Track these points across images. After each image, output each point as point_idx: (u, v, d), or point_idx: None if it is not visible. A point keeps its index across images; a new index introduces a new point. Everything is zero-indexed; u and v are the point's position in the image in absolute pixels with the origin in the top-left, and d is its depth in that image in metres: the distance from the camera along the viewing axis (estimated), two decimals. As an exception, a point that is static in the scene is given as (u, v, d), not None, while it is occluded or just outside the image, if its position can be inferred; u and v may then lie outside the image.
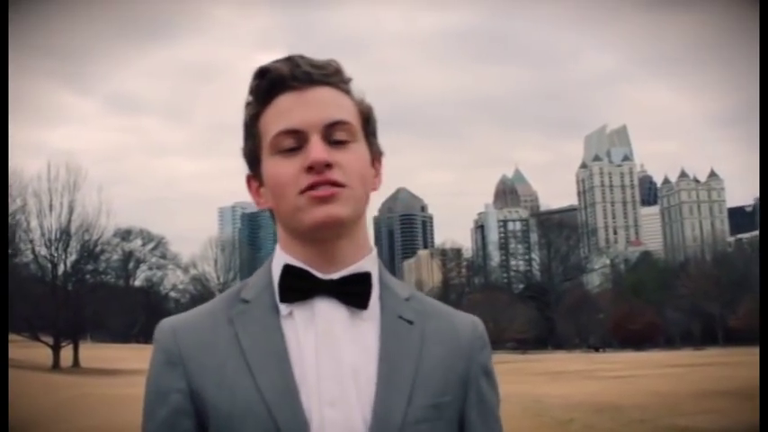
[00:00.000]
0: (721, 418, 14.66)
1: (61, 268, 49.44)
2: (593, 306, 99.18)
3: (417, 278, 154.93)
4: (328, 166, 1.23)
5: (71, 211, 48.66)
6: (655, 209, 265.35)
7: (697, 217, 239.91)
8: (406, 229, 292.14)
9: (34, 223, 48.14)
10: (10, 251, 43.27)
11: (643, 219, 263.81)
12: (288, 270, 1.29)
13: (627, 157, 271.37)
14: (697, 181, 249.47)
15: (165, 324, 1.33)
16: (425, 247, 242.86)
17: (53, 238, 48.60)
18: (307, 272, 1.28)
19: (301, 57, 1.31)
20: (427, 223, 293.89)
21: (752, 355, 46.78)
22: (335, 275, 1.28)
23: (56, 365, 44.12)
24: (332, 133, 1.26)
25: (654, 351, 79.76)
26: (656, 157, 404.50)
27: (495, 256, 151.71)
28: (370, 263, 1.33)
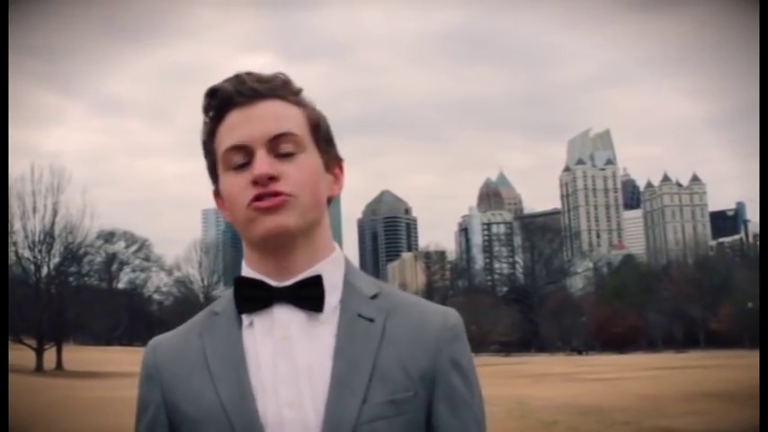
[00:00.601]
0: (703, 419, 14.83)
1: (44, 270, 49.29)
2: (576, 309, 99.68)
3: (401, 281, 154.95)
4: (273, 178, 1.27)
5: (55, 214, 48.55)
6: (638, 212, 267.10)
7: (679, 221, 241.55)
8: (389, 231, 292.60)
9: (17, 225, 47.94)
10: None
11: (626, 222, 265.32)
12: (242, 281, 1.34)
13: (610, 161, 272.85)
14: (679, 185, 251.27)
15: (150, 343, 1.43)
16: (409, 249, 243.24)
17: (36, 240, 48.47)
18: (261, 281, 1.32)
19: (248, 73, 1.34)
20: (411, 226, 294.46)
21: (733, 357, 47.40)
22: (289, 281, 1.31)
23: (39, 368, 43.96)
24: (277, 146, 1.29)
25: (636, 354, 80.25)
26: (639, 161, 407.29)
27: (479, 259, 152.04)
28: (327, 265, 1.35)
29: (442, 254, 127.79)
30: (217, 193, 1.40)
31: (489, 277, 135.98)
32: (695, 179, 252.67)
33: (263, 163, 1.27)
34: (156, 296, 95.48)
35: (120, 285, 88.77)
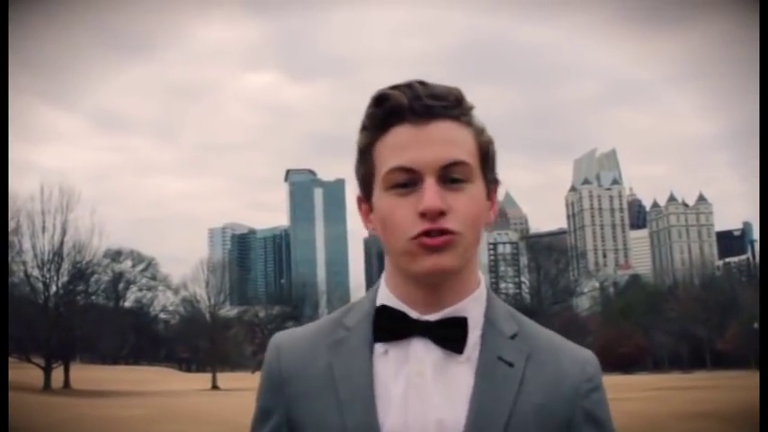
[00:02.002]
0: (699, 438, 15.08)
1: (53, 289, 49.66)
2: (582, 329, 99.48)
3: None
4: (442, 213, 1.20)
5: (64, 233, 49.00)
6: (644, 232, 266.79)
7: (686, 240, 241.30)
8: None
9: (27, 245, 48.42)
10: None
11: (632, 242, 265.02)
12: (383, 310, 1.28)
13: (616, 181, 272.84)
14: (686, 205, 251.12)
15: (274, 341, 1.37)
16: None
17: (46, 259, 48.90)
18: (402, 313, 1.26)
19: (423, 84, 1.25)
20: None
21: (737, 378, 47.45)
22: (433, 317, 1.25)
23: (47, 386, 44.27)
24: (448, 174, 1.22)
25: (642, 374, 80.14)
26: (645, 180, 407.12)
27: (485, 279, 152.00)
28: (472, 302, 1.29)
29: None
30: (362, 201, 1.33)
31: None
32: (701, 199, 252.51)
33: (434, 196, 1.20)
34: (162, 315, 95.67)
35: (127, 304, 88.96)
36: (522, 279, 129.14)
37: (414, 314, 1.26)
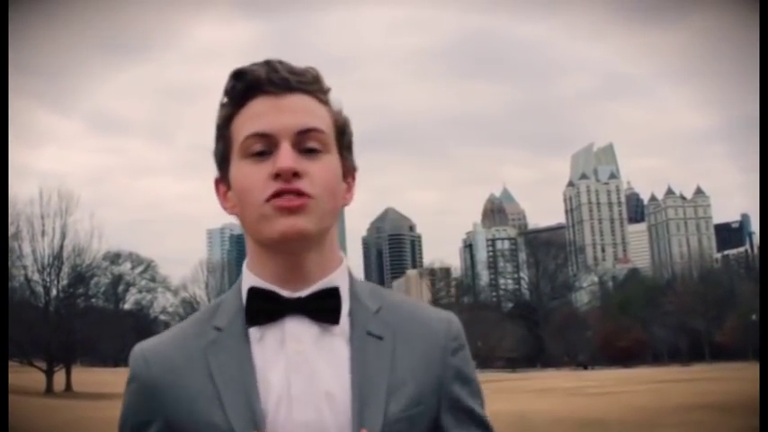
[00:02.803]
0: (695, 429, 15.29)
1: (53, 293, 49.83)
2: (581, 324, 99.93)
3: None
4: (296, 174, 1.21)
5: (63, 236, 49.14)
6: (642, 226, 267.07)
7: (684, 234, 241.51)
8: (394, 249, 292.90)
9: (27, 249, 48.55)
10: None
11: (630, 236, 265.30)
12: (253, 293, 1.27)
13: (613, 175, 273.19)
14: (683, 198, 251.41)
15: (137, 351, 1.33)
16: (414, 266, 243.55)
17: (46, 263, 49.05)
18: (273, 292, 1.26)
19: (280, 62, 1.29)
20: (416, 243, 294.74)
21: (735, 370, 47.70)
22: (304, 293, 1.26)
23: (49, 390, 44.41)
24: (303, 141, 1.24)
25: (642, 367, 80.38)
26: (643, 174, 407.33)
27: (484, 276, 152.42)
28: (340, 276, 1.31)
29: (446, 270, 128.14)
30: (219, 182, 1.34)
31: (494, 293, 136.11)
32: (699, 192, 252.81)
33: (288, 156, 1.21)
34: (162, 317, 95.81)
35: (127, 306, 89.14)
36: (521, 275, 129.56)
37: (284, 293, 1.26)
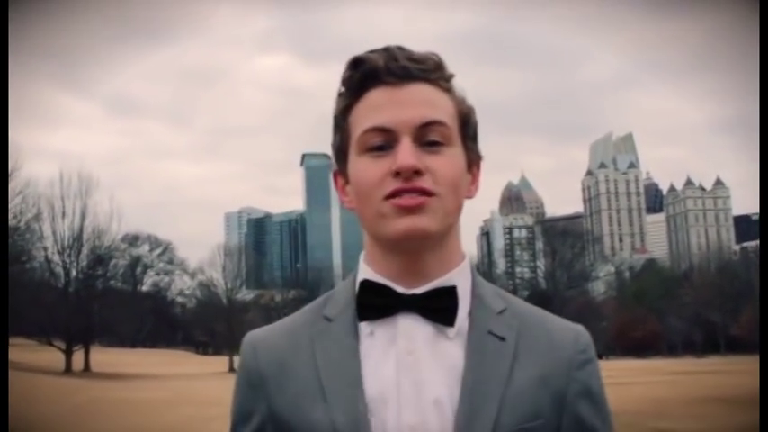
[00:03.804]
0: (702, 422, 15.46)
1: (73, 274, 50.42)
2: (596, 313, 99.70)
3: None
4: (417, 172, 1.15)
5: (83, 218, 49.69)
6: (660, 216, 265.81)
7: (703, 225, 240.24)
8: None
9: (47, 230, 49.12)
10: (24, 258, 44.14)
11: (648, 226, 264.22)
12: (366, 286, 1.23)
13: (632, 165, 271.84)
14: (703, 189, 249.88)
15: (247, 340, 1.31)
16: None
17: (66, 244, 49.63)
18: (387, 287, 1.21)
19: (400, 48, 1.21)
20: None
21: (750, 363, 47.54)
22: (419, 290, 1.20)
23: (68, 369, 45.04)
24: (425, 135, 1.17)
25: (656, 359, 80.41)
26: (662, 164, 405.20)
27: (501, 264, 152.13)
28: (459, 274, 1.24)
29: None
30: (337, 174, 1.30)
31: (511, 282, 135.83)
32: (719, 183, 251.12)
33: (408, 153, 1.15)
34: (179, 299, 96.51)
35: (144, 288, 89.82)
36: (538, 264, 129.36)
37: (399, 288, 1.20)
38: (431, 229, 1.16)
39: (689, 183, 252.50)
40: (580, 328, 1.28)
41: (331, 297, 1.30)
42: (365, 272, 1.25)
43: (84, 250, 50.88)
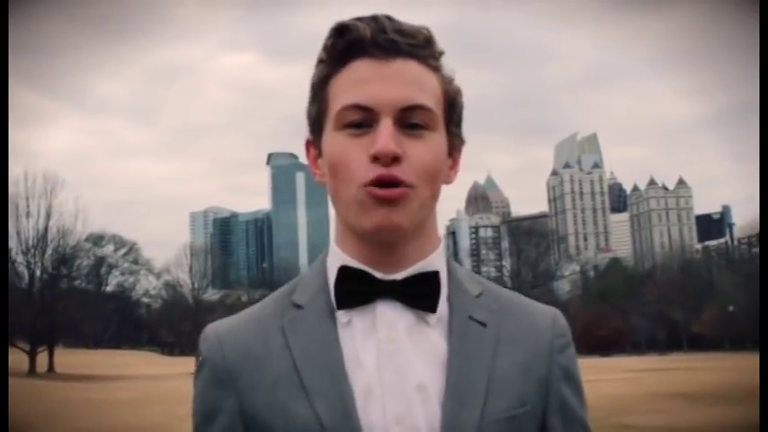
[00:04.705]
0: (663, 417, 15.80)
1: (37, 274, 49.98)
2: (562, 312, 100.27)
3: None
4: (396, 159, 1.08)
5: (48, 218, 49.27)
6: (624, 216, 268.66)
7: (665, 224, 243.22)
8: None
9: (11, 230, 48.62)
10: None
11: (613, 225, 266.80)
12: (344, 272, 1.15)
13: (597, 165, 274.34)
14: (666, 188, 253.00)
15: (210, 333, 1.20)
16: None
17: (30, 244, 49.18)
18: (366, 273, 1.14)
19: (389, 18, 1.13)
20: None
21: (711, 360, 48.53)
22: (399, 275, 1.14)
23: (32, 371, 44.63)
24: (408, 117, 1.10)
25: (620, 356, 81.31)
26: (626, 163, 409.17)
27: (467, 263, 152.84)
28: (438, 259, 1.18)
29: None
30: (310, 144, 1.22)
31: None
32: (681, 183, 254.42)
33: (388, 137, 1.08)
34: (144, 299, 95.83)
35: (109, 289, 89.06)
36: (503, 263, 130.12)
37: (377, 274, 1.14)
38: (403, 225, 1.10)
39: (652, 182, 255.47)
40: (556, 311, 1.25)
41: (299, 283, 1.22)
42: (339, 257, 1.18)
43: (49, 250, 50.45)
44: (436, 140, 1.13)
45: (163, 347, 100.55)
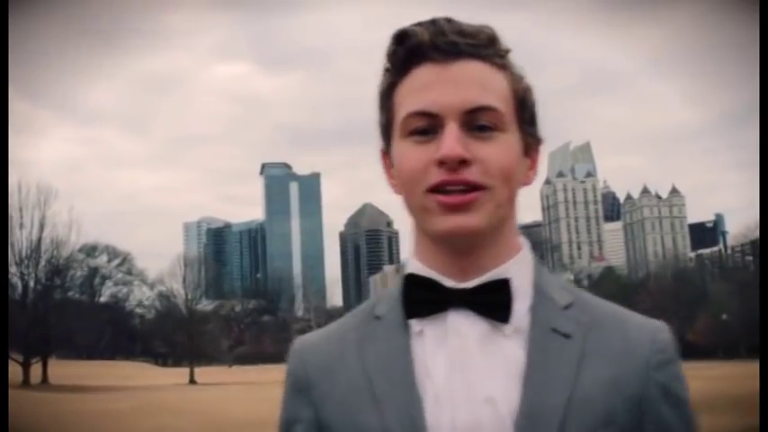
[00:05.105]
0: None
1: (30, 285, 49.91)
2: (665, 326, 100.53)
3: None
4: (464, 162, 1.05)
5: (41, 229, 49.21)
6: (618, 224, 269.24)
7: (659, 233, 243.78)
8: (371, 244, 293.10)
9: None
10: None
11: (606, 234, 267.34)
12: (412, 280, 1.14)
13: (590, 174, 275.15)
14: (659, 197, 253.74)
15: (296, 345, 1.24)
16: (391, 262, 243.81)
17: (23, 255, 49.12)
18: (434, 281, 1.12)
19: (448, 20, 1.11)
20: (393, 239, 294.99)
21: (705, 369, 48.59)
22: (470, 284, 1.10)
23: (26, 382, 44.50)
24: (474, 120, 1.07)
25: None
26: (619, 172, 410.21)
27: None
28: (515, 266, 1.13)
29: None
30: (385, 154, 1.19)
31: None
32: (674, 191, 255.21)
33: (454, 141, 1.05)
34: (138, 310, 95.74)
35: (103, 299, 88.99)
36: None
37: (448, 282, 1.11)
38: (480, 227, 1.07)
39: (645, 191, 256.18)
40: (659, 324, 1.15)
41: (382, 297, 1.21)
42: (412, 265, 1.16)
43: (42, 261, 50.41)
44: (508, 141, 1.10)
45: (157, 358, 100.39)
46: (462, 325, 1.09)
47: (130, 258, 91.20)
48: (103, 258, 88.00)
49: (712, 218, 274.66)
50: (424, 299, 1.11)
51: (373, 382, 1.10)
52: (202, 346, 74.44)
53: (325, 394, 1.14)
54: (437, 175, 1.06)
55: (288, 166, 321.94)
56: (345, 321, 1.22)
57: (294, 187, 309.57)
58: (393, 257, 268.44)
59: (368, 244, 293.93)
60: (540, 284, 1.14)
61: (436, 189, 1.06)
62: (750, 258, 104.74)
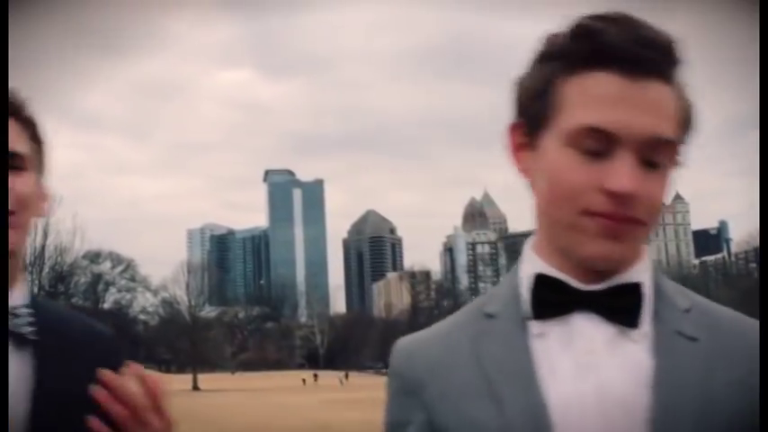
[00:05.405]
0: None
1: (34, 292, 49.97)
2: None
3: (386, 301, 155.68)
4: (632, 197, 1.01)
5: (45, 236, 49.28)
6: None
7: (662, 239, 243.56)
8: (374, 251, 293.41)
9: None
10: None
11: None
12: (541, 281, 1.10)
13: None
14: (663, 204, 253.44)
15: (400, 345, 1.21)
16: (394, 269, 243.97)
17: (27, 262, 49.16)
18: (563, 283, 1.09)
19: (633, 23, 1.02)
20: (396, 246, 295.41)
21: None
22: (599, 286, 1.07)
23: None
24: (650, 152, 1.02)
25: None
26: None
27: (464, 279, 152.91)
28: (641, 270, 1.10)
29: (426, 274, 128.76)
30: (516, 129, 1.13)
31: (474, 297, 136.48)
32: (678, 197, 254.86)
33: (630, 175, 1.00)
34: (141, 316, 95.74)
35: (106, 306, 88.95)
36: (501, 280, 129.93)
37: (576, 284, 1.08)
38: (624, 258, 1.06)
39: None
40: None
41: (491, 296, 1.18)
42: (535, 263, 1.13)
43: (46, 268, 50.44)
44: (667, 176, 1.06)
45: (160, 364, 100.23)
46: (589, 328, 1.06)
47: (134, 265, 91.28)
48: (107, 265, 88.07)
49: (716, 225, 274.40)
50: (549, 299, 1.09)
51: (492, 382, 1.06)
52: (206, 352, 74.62)
53: (439, 394, 1.10)
54: (601, 204, 1.01)
55: (291, 173, 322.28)
56: (451, 320, 1.20)
57: (297, 194, 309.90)
58: (396, 264, 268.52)
59: (371, 251, 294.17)
60: (660, 288, 1.11)
61: (593, 213, 1.02)
62: (753, 265, 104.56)
